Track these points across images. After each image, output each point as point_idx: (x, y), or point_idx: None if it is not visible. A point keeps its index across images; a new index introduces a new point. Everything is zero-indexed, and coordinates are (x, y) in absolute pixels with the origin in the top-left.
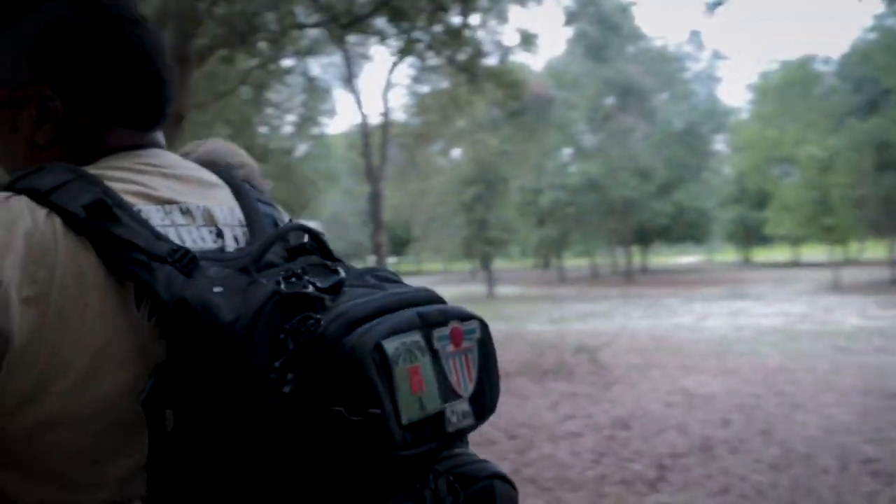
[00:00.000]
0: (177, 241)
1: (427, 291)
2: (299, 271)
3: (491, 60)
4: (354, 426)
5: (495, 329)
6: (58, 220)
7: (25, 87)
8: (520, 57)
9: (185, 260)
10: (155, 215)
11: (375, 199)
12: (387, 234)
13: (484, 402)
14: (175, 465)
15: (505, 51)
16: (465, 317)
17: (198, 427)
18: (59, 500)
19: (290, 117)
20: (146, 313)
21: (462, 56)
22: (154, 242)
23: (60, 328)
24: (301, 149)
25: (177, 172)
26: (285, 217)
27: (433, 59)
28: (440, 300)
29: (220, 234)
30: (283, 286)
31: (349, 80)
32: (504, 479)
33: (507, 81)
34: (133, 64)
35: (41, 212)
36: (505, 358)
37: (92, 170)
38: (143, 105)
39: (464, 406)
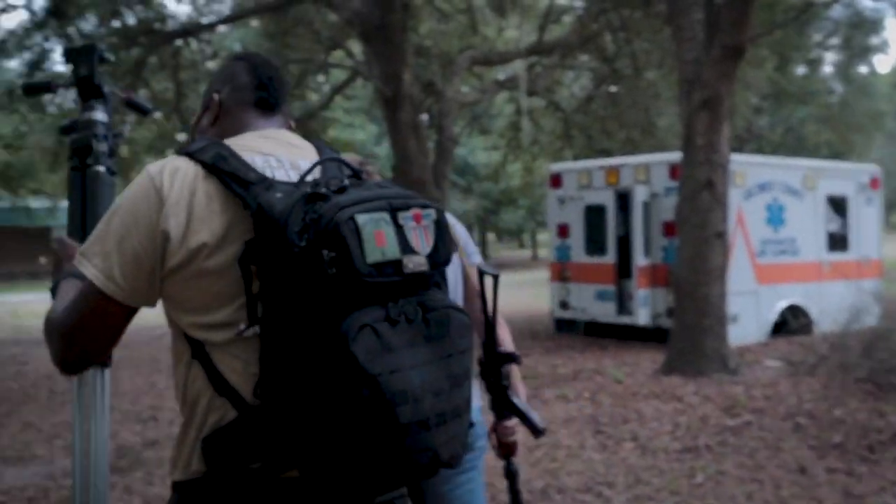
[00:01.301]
0: (269, 175)
1: (404, 192)
2: (325, 182)
3: None
4: (337, 261)
5: None
6: (199, 167)
7: (208, 98)
8: None
9: (266, 183)
10: (259, 161)
11: None
12: None
13: (438, 257)
14: (258, 298)
15: None
16: (424, 206)
17: (267, 274)
18: (202, 322)
19: (831, 55)
20: (247, 213)
21: None
22: (248, 174)
23: (198, 224)
24: (841, 90)
25: (278, 138)
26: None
27: None
28: (413, 197)
29: (299, 170)
30: (309, 189)
31: None
32: (458, 310)
33: None
34: (252, 83)
35: (191, 163)
36: None
37: (229, 140)
38: (260, 100)
39: (419, 259)
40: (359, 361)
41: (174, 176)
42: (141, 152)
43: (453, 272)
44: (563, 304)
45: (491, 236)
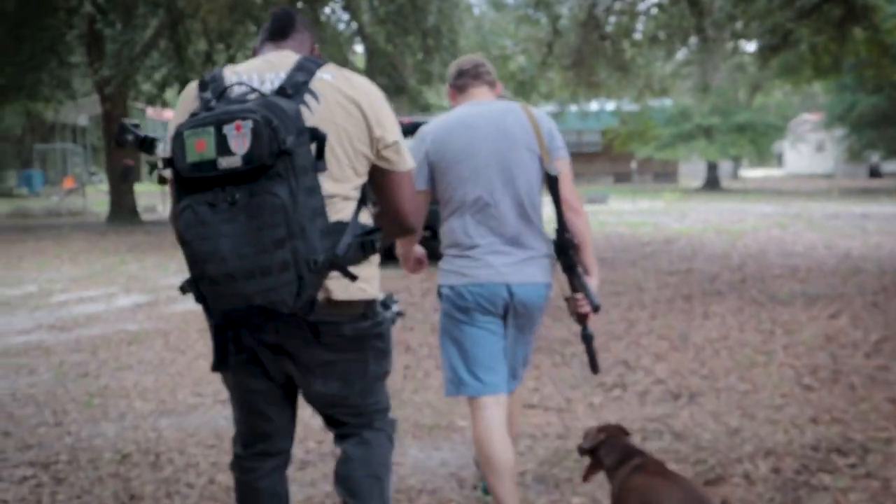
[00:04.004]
0: (235, 90)
1: (238, 108)
2: (213, 103)
3: None
4: (170, 163)
5: None
6: (197, 86)
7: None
8: None
9: (210, 103)
10: (233, 78)
11: None
12: None
13: (252, 156)
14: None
15: None
16: (244, 118)
17: None
18: None
19: None
20: None
21: None
22: (210, 95)
23: (180, 121)
24: None
25: (267, 59)
26: (316, 77)
27: None
28: (240, 112)
29: (262, 83)
30: (197, 109)
31: None
32: (275, 195)
33: None
34: (268, 25)
35: (195, 84)
36: None
37: (234, 65)
38: (271, 34)
39: (235, 158)
40: (179, 230)
41: (189, 86)
42: (644, 44)
43: (531, 161)
44: None
45: None
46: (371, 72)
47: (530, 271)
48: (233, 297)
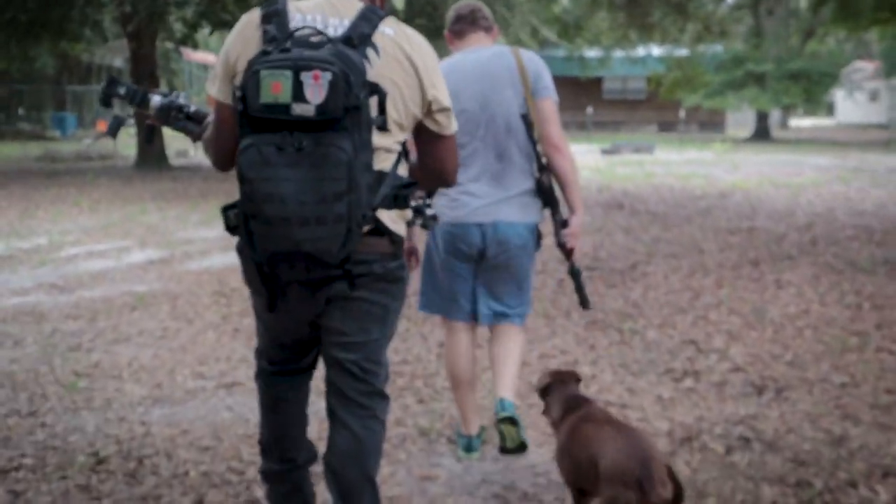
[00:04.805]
0: (300, 25)
1: (318, 55)
2: (287, 43)
3: None
4: (242, 99)
5: None
6: (259, 16)
7: None
8: None
9: (275, 39)
10: (298, 17)
11: None
12: None
13: (326, 107)
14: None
15: None
16: (324, 68)
17: None
18: None
19: None
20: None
21: None
22: (274, 32)
23: (245, 52)
24: None
25: (331, 1)
26: (378, 30)
27: None
28: (320, 60)
29: (326, 27)
30: (269, 48)
31: None
32: (341, 149)
33: None
34: None
35: (258, 14)
36: None
37: (297, 2)
38: None
39: (309, 107)
40: (240, 167)
41: (249, 15)
42: None
43: (515, 102)
44: None
45: None
46: (410, 13)
47: (506, 211)
48: (283, 240)
